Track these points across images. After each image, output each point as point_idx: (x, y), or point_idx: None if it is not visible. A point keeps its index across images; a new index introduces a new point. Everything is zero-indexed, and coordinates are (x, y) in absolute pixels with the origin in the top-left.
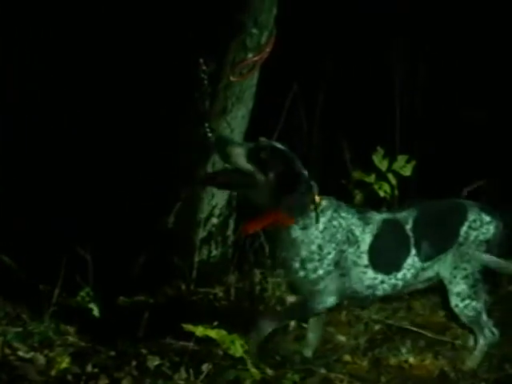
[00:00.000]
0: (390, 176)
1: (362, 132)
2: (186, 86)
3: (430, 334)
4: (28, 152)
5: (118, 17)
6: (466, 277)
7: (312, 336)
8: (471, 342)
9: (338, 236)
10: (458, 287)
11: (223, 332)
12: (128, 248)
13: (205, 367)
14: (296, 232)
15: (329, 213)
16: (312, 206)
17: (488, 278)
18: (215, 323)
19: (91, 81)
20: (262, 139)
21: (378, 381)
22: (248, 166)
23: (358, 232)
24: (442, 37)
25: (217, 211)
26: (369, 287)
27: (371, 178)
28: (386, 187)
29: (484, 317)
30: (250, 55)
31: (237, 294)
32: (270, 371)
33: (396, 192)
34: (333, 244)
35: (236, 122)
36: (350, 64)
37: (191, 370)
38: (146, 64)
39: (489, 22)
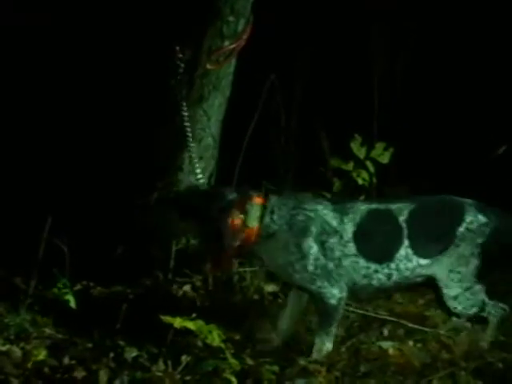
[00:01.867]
0: (368, 163)
1: (340, 120)
2: (162, 74)
3: (409, 324)
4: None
5: (91, 6)
6: (460, 280)
7: (286, 320)
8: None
9: (312, 229)
10: (454, 291)
11: (201, 322)
12: (105, 238)
13: (183, 358)
14: (264, 245)
15: (285, 209)
16: (256, 219)
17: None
18: (194, 315)
19: (67, 77)
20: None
21: (357, 370)
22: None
23: (335, 222)
24: (420, 24)
25: None
26: (364, 277)
27: (349, 166)
28: (365, 175)
29: (488, 303)
30: (226, 43)
31: (215, 283)
32: (249, 361)
33: (374, 179)
34: (309, 237)
35: (213, 110)
36: (328, 52)
37: (169, 362)
38: (122, 53)
39: (470, 8)
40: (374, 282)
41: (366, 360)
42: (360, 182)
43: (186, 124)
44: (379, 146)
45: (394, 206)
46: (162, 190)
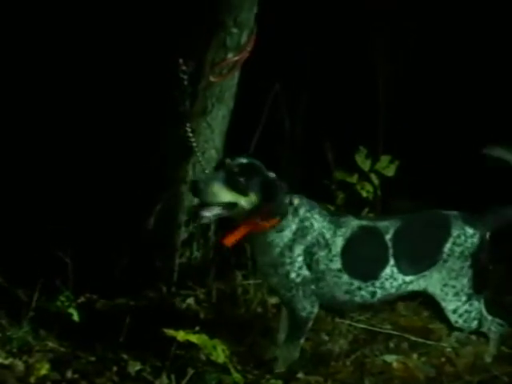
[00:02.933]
0: (373, 176)
1: (345, 132)
2: (165, 86)
3: (413, 338)
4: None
5: (95, 16)
6: (456, 294)
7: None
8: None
9: (309, 238)
10: (452, 305)
11: (205, 337)
12: (109, 251)
13: (187, 372)
14: (272, 235)
15: (302, 212)
16: (288, 207)
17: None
18: (197, 328)
19: (68, 83)
20: (227, 161)
21: None
22: (230, 198)
23: (328, 235)
24: (425, 35)
25: None
26: (346, 292)
27: (353, 179)
28: (369, 187)
29: (488, 318)
30: (230, 55)
31: (218, 296)
32: (252, 375)
33: (379, 192)
34: (302, 246)
35: (217, 122)
36: (333, 64)
37: (173, 376)
38: (125, 65)
39: (471, 15)
40: (357, 299)
41: (371, 373)
42: (364, 194)
43: (190, 135)
44: (384, 158)
45: (381, 224)
46: (165, 203)
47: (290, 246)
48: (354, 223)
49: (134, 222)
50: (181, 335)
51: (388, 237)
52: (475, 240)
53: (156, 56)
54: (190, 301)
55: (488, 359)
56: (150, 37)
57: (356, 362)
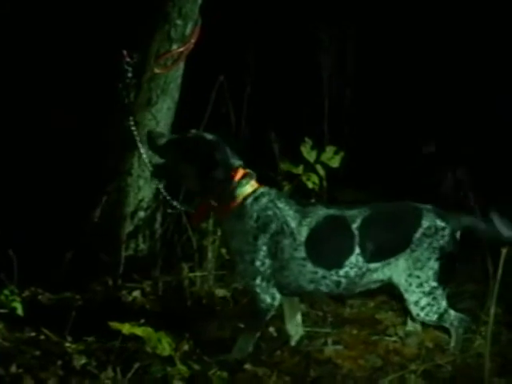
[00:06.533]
0: (319, 167)
1: (290, 123)
2: (110, 78)
3: (360, 328)
4: None
5: (41, 6)
6: (420, 285)
7: (291, 327)
8: (409, 326)
9: (273, 226)
10: (415, 296)
11: (150, 330)
12: (54, 244)
13: (132, 365)
14: (232, 222)
15: (263, 202)
16: (243, 195)
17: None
18: (142, 320)
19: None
20: (192, 131)
21: (307, 375)
22: (174, 158)
23: (293, 224)
24: (369, 25)
25: (144, 205)
26: (311, 281)
27: (299, 170)
28: (315, 178)
29: (451, 313)
30: (174, 46)
31: (165, 288)
32: (198, 367)
33: (324, 183)
34: (267, 234)
35: (161, 114)
36: (278, 54)
37: (118, 369)
38: (69, 56)
39: (418, 8)
40: (323, 288)
41: (317, 364)
42: (310, 185)
43: (133, 128)
44: (329, 149)
45: (348, 213)
46: (111, 195)
47: (253, 234)
48: (321, 212)
49: (79, 215)
50: (126, 328)
51: (355, 225)
52: (445, 234)
53: (100, 47)
54: (137, 293)
55: (454, 353)
56: (94, 28)
57: (302, 353)
